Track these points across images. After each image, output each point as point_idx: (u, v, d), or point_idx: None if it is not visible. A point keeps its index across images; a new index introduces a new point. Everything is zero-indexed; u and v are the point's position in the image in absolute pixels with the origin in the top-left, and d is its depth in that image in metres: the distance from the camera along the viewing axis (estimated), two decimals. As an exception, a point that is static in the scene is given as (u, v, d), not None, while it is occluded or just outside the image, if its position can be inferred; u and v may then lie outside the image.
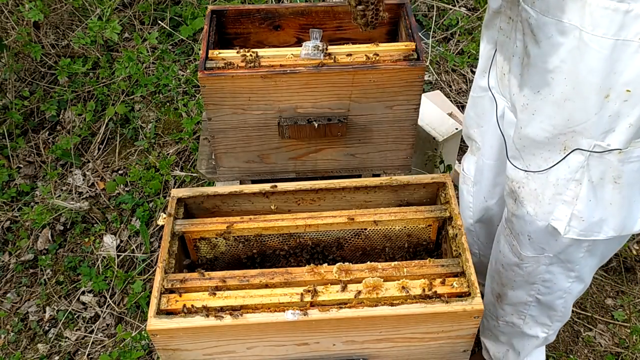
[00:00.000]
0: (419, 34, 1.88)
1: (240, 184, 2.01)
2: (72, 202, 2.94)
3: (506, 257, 1.86)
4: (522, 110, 1.60)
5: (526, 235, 1.78)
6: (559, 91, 1.48)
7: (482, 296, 1.59)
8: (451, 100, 3.14)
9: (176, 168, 3.13)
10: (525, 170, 1.68)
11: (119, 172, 3.16)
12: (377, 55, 1.78)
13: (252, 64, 1.76)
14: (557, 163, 1.59)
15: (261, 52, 1.81)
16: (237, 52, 1.80)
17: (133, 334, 2.51)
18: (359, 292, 1.35)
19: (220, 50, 1.83)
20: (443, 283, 1.37)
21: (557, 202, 1.65)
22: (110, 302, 2.67)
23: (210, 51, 1.82)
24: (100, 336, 2.59)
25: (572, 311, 2.58)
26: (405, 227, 1.58)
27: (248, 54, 1.79)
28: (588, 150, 1.51)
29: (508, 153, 1.76)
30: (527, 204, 1.72)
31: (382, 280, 1.37)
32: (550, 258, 1.80)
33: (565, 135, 1.54)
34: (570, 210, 1.64)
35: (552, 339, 2.12)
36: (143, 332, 2.52)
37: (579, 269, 1.82)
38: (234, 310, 1.33)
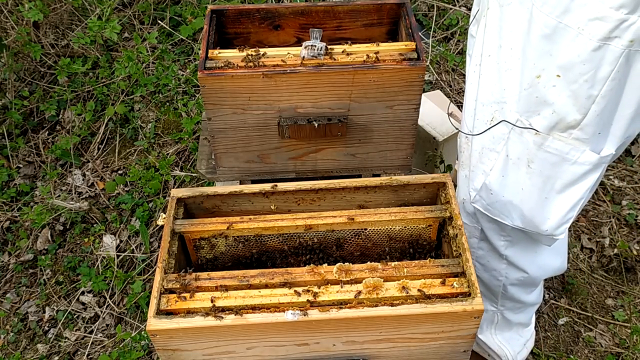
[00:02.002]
0: (419, 33, 1.87)
1: (240, 184, 2.01)
2: (71, 202, 2.94)
3: None
4: (474, 69, 1.63)
5: (461, 199, 1.81)
6: (504, 60, 1.51)
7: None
8: (451, 100, 3.14)
9: (176, 168, 3.13)
10: (463, 132, 1.72)
11: (119, 172, 3.16)
12: (377, 55, 1.78)
13: (252, 64, 1.76)
14: (483, 132, 1.61)
15: (262, 51, 1.81)
16: (241, 51, 1.80)
17: (133, 334, 2.51)
18: (359, 293, 1.35)
19: (220, 50, 1.83)
20: (443, 283, 1.37)
21: (477, 171, 1.69)
22: (109, 302, 2.67)
23: (210, 51, 1.82)
24: (100, 336, 2.59)
25: (573, 311, 2.58)
26: (405, 227, 1.58)
27: (250, 53, 1.79)
28: (512, 124, 1.53)
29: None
30: (465, 169, 1.76)
31: (382, 280, 1.36)
32: (479, 232, 1.84)
33: (497, 104, 1.56)
34: (484, 179, 1.67)
35: (517, 320, 2.13)
36: (143, 333, 2.52)
37: (508, 256, 1.85)
38: (233, 310, 1.33)
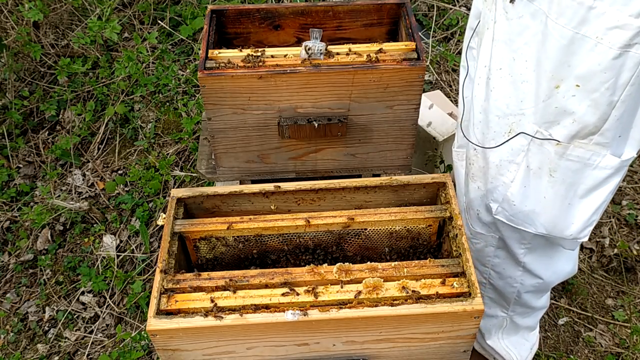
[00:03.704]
0: (419, 33, 1.87)
1: (240, 184, 2.01)
2: (71, 202, 2.94)
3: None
4: (483, 83, 1.63)
5: (475, 210, 1.82)
6: (519, 72, 1.50)
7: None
8: (451, 100, 3.13)
9: (176, 168, 3.13)
10: (474, 144, 1.72)
11: (119, 172, 3.16)
12: (377, 55, 1.78)
13: (252, 64, 1.76)
14: (502, 144, 1.61)
15: (262, 51, 1.81)
16: (240, 51, 1.80)
17: (133, 334, 2.51)
18: (359, 292, 1.35)
19: (221, 50, 1.83)
20: (443, 283, 1.37)
21: (497, 183, 1.69)
22: (109, 302, 2.67)
23: (210, 51, 1.82)
24: (100, 336, 2.59)
25: (573, 311, 2.58)
26: (405, 227, 1.57)
27: (250, 53, 1.79)
28: (531, 136, 1.53)
29: (462, 123, 1.79)
30: (476, 180, 1.75)
31: (382, 280, 1.36)
32: (497, 240, 1.84)
33: (514, 116, 1.56)
34: (505, 191, 1.67)
35: (524, 324, 2.13)
36: (143, 333, 2.52)
37: (526, 262, 1.85)
38: (233, 310, 1.33)
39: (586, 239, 1.64)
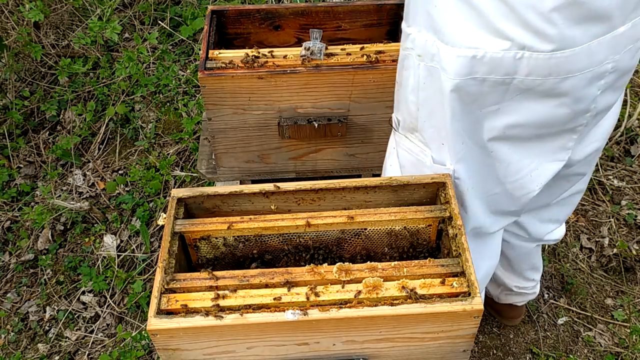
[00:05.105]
0: (419, 34, 1.87)
1: (240, 184, 2.01)
2: (72, 202, 2.94)
3: None
4: None
5: None
6: None
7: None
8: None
9: (176, 168, 3.13)
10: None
11: (119, 172, 3.16)
12: (377, 55, 1.78)
13: (251, 64, 1.76)
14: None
15: (264, 51, 1.82)
16: (240, 52, 1.81)
17: (133, 334, 2.51)
18: (359, 292, 1.35)
19: (221, 50, 1.83)
20: (443, 283, 1.37)
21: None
22: (110, 302, 2.67)
23: (210, 51, 1.82)
24: (101, 336, 2.60)
25: (572, 311, 2.58)
26: (405, 227, 1.58)
27: (250, 54, 1.79)
28: (390, 119, 1.66)
29: None
30: None
31: (382, 280, 1.37)
32: None
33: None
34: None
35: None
36: (143, 332, 2.52)
37: None
38: (234, 310, 1.33)
39: None
